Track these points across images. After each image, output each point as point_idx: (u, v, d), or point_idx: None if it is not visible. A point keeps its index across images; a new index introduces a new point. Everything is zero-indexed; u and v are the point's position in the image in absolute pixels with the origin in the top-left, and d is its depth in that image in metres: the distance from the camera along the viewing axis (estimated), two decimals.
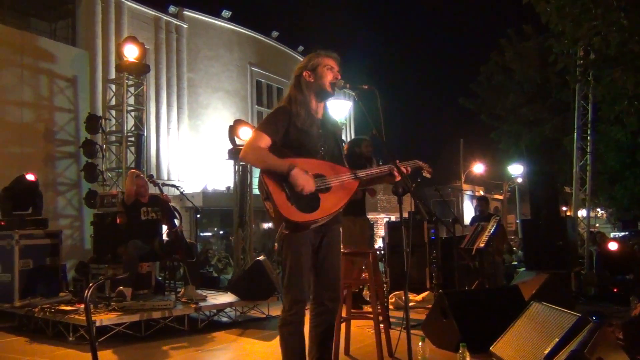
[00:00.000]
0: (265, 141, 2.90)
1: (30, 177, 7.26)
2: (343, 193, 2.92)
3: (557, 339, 3.31)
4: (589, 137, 10.07)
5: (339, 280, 3.22)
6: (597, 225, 23.87)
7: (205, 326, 5.89)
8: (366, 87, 3.08)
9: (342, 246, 3.39)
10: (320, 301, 3.03)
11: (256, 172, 10.54)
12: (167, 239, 6.49)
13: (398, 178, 3.08)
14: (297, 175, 2.75)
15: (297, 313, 2.91)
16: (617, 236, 18.10)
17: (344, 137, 13.26)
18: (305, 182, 2.76)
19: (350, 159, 3.36)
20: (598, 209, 23.64)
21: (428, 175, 3.34)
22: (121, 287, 5.68)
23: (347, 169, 3.02)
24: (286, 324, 2.92)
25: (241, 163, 9.38)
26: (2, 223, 6.81)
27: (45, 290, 6.31)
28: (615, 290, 7.46)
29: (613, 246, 8.45)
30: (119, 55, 9.13)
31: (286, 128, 2.97)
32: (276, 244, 2.98)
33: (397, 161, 3.06)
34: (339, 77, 3.08)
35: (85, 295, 2.82)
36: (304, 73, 3.07)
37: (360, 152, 6.11)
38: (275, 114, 3.06)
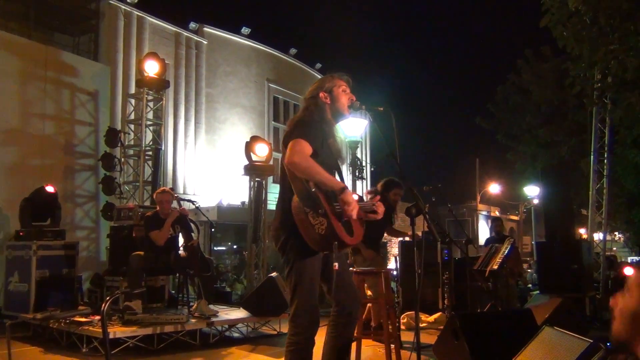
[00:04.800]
0: (309, 149, 2.77)
1: (49, 189, 7.39)
2: (360, 221, 2.95)
3: None
4: (605, 160, 10.01)
5: (357, 298, 3.24)
6: (615, 248, 23.57)
7: (217, 341, 5.92)
8: (381, 109, 3.11)
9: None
10: (349, 311, 2.99)
11: (271, 187, 10.62)
12: (183, 253, 6.54)
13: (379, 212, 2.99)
14: (350, 197, 2.71)
15: (311, 337, 2.86)
16: (634, 260, 17.80)
17: (360, 156, 13.30)
18: (355, 205, 2.72)
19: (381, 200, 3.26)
20: (615, 233, 23.33)
21: (377, 217, 3.05)
22: (127, 302, 5.69)
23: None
24: (299, 350, 2.84)
25: (256, 179, 9.45)
26: (21, 233, 6.94)
27: (61, 301, 6.39)
28: None
29: (629, 271, 8.35)
30: (140, 70, 9.30)
31: (321, 141, 2.91)
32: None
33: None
34: (354, 99, 3.12)
35: (102, 308, 2.87)
36: (321, 94, 3.04)
37: (387, 197, 5.70)
38: (314, 124, 2.94)
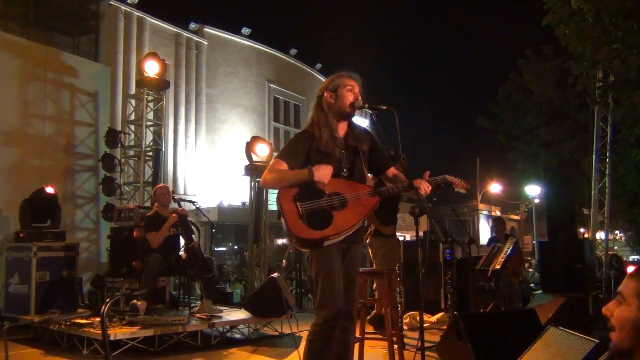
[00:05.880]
0: (283, 167, 2.99)
1: (49, 190, 7.35)
2: (359, 210, 2.93)
3: None
4: (608, 159, 9.97)
5: (356, 300, 3.22)
6: (616, 247, 23.54)
7: (218, 342, 5.88)
8: (385, 107, 3.08)
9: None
10: (343, 326, 3.00)
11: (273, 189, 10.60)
12: (183, 254, 6.51)
13: (421, 191, 3.07)
14: (318, 171, 2.89)
15: (334, 327, 2.89)
16: (635, 259, 17.75)
17: None
18: (324, 172, 2.90)
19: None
20: (617, 232, 23.30)
21: (462, 191, 3.33)
22: (135, 301, 5.69)
23: (367, 187, 3.02)
24: (321, 339, 2.89)
25: (257, 179, 9.42)
26: (21, 235, 6.90)
27: (62, 303, 6.35)
28: None
29: (631, 270, 8.29)
30: (140, 71, 9.26)
31: (307, 152, 3.03)
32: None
33: (421, 181, 3.05)
34: (359, 98, 3.11)
35: (102, 310, 2.84)
36: (325, 94, 3.11)
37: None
38: (295, 140, 3.16)
